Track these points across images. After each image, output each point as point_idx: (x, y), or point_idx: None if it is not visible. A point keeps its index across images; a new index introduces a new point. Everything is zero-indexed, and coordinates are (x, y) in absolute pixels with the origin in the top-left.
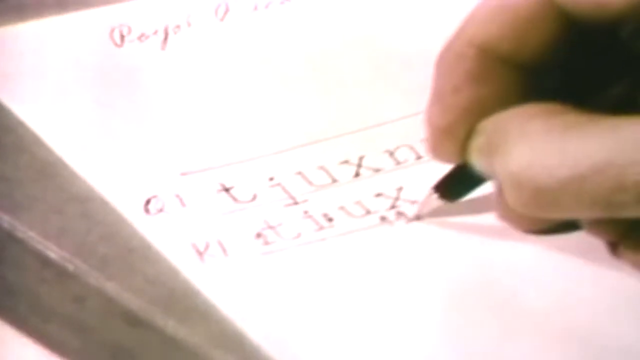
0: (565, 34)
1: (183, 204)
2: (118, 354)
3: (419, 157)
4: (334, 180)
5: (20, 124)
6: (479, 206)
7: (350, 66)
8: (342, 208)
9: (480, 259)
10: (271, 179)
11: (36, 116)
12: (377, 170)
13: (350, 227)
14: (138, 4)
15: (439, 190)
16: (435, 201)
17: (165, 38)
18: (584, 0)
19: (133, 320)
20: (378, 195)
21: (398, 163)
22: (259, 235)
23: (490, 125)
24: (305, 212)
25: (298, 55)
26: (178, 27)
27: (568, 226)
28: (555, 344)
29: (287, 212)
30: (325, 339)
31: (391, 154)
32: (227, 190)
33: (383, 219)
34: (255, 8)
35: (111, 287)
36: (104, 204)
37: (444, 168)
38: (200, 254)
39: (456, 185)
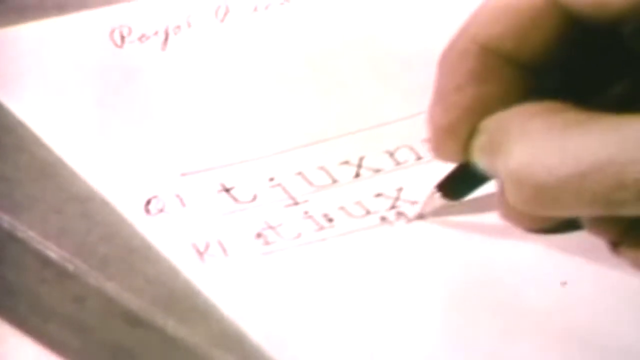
0: (567, 33)
1: (183, 204)
2: (118, 354)
3: (419, 158)
4: (334, 181)
5: (20, 124)
6: (482, 205)
7: (350, 66)
8: (342, 208)
9: (481, 258)
10: (271, 179)
11: (36, 116)
12: (377, 171)
13: (350, 227)
14: (138, 4)
15: (441, 189)
16: (438, 200)
17: (166, 39)
18: None
19: (133, 320)
20: (378, 195)
21: (398, 163)
22: (259, 235)
23: (492, 124)
24: (306, 213)
25: (298, 55)
26: (178, 27)
27: (569, 225)
28: (556, 343)
29: (287, 212)
30: (325, 339)
31: (391, 154)
32: (227, 190)
33: (383, 219)
34: (255, 9)
35: (111, 287)
36: (104, 204)
37: (444, 168)
38: (200, 254)
39: (459, 184)
